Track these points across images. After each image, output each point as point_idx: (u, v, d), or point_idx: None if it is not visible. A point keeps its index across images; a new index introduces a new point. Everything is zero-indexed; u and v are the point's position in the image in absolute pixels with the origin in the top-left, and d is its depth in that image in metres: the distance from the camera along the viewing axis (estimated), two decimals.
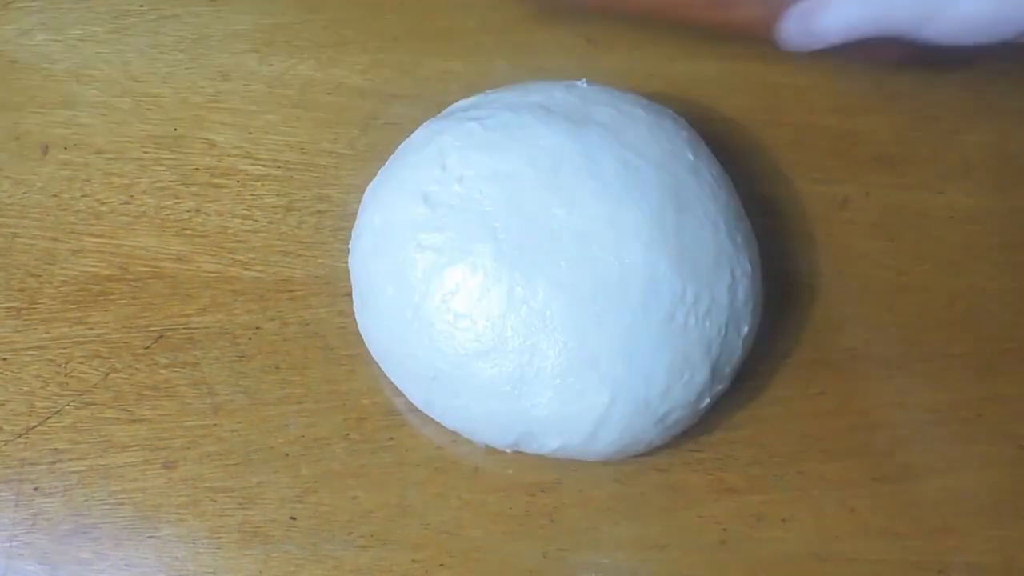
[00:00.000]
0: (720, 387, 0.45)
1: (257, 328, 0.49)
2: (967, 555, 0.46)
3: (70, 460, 0.47)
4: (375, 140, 0.53)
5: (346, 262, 0.48)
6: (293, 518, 0.46)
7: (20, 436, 0.47)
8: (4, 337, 0.49)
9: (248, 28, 0.57)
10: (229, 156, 0.53)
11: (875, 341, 0.50)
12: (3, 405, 0.48)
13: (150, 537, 0.46)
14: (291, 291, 0.50)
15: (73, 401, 0.48)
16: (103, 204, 0.52)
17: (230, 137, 0.54)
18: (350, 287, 0.48)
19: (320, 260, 0.51)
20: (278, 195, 0.53)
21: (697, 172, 0.46)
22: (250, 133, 0.54)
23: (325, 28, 0.53)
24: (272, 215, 0.52)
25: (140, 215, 0.52)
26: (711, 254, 0.44)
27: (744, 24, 0.51)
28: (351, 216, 0.48)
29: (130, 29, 0.57)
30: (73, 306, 0.50)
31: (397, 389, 0.47)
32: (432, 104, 0.51)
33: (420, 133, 0.47)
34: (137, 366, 0.49)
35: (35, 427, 0.47)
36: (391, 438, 0.48)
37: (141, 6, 0.57)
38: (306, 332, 0.49)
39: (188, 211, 0.52)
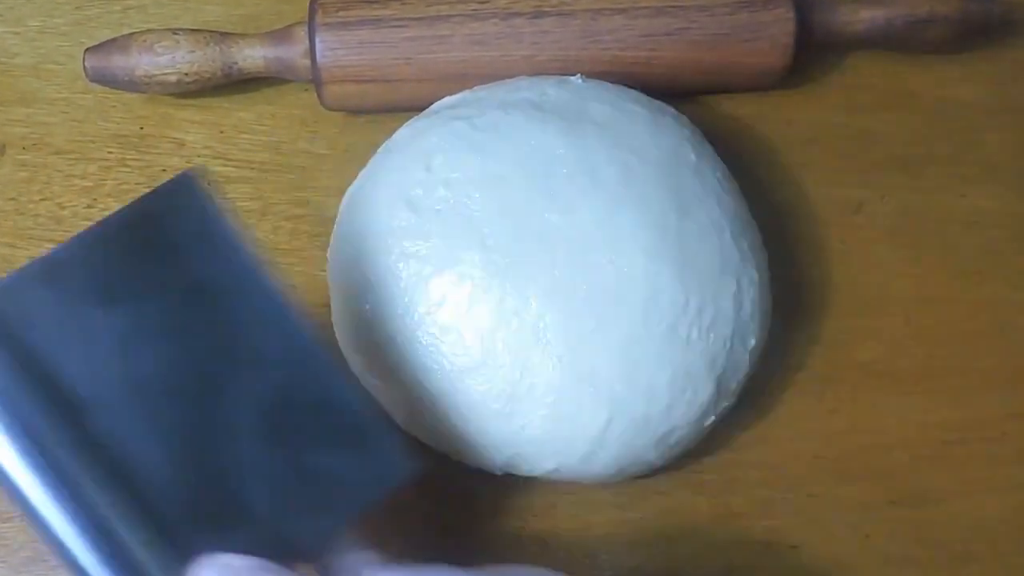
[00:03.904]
0: (725, 404, 0.45)
1: None
2: None
3: None
4: (355, 140, 0.53)
5: (324, 270, 0.48)
6: None
7: None
8: None
9: (218, 19, 0.57)
10: (199, 156, 0.53)
11: (892, 355, 0.50)
12: None
13: None
14: None
15: None
16: (64, 208, 0.52)
17: (200, 136, 0.54)
18: (328, 297, 0.47)
19: (297, 268, 0.51)
20: (252, 198, 0.53)
21: (700, 174, 0.46)
22: (221, 132, 0.54)
23: (301, 19, 0.52)
24: (245, 220, 0.52)
25: None
26: (716, 262, 0.44)
27: None
28: (330, 221, 0.48)
29: (93, 21, 0.57)
30: None
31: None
32: None
33: (403, 132, 0.47)
34: None
35: None
36: None
37: None
38: None
39: None
